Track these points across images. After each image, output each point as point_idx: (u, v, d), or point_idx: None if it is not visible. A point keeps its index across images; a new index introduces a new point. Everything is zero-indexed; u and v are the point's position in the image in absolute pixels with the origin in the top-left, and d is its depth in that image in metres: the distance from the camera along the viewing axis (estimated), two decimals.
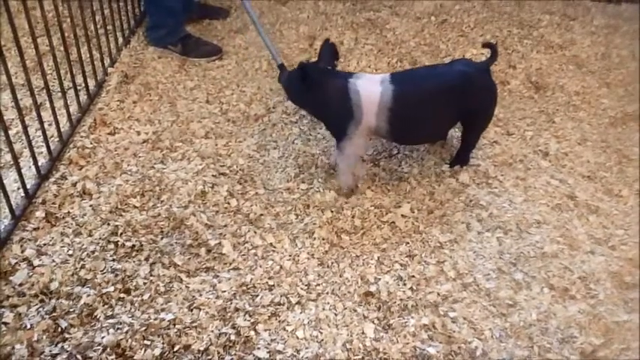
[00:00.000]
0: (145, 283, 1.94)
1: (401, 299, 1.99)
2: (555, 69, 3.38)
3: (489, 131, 2.84)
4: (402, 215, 2.31)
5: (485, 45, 2.54)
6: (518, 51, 3.51)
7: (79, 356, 1.70)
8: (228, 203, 2.30)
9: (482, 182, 2.53)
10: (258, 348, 1.80)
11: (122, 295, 1.90)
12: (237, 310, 1.90)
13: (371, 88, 2.28)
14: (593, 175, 2.65)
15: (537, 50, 3.53)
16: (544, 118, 3.00)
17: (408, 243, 2.21)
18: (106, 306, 1.85)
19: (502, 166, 2.64)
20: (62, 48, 2.53)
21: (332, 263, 2.10)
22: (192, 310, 1.88)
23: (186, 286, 1.96)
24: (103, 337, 1.75)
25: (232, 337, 1.81)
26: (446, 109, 2.38)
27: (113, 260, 2.00)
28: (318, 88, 2.30)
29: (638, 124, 3.00)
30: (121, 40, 3.20)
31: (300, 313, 1.92)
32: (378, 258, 2.14)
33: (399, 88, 2.29)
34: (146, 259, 2.02)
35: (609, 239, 2.33)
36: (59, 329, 1.77)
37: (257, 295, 1.96)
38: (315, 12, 3.78)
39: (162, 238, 2.10)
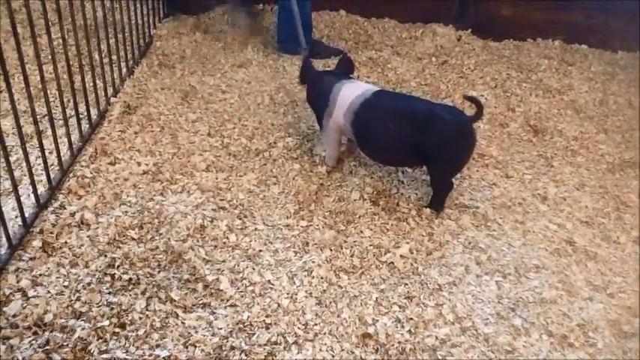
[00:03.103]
0: (140, 318, 1.91)
1: (399, 342, 1.96)
2: (554, 113, 3.42)
3: (488, 173, 2.85)
4: (401, 256, 2.30)
5: (469, 99, 2.43)
6: (517, 94, 3.56)
7: None
8: (227, 238, 2.28)
9: (481, 225, 2.53)
10: None
11: (117, 329, 1.86)
12: (232, 348, 1.87)
13: (350, 91, 2.56)
14: (591, 220, 2.66)
15: (536, 94, 3.58)
16: (542, 161, 3.03)
17: (407, 284, 2.20)
18: (100, 340, 1.82)
19: (501, 208, 2.65)
20: (66, 76, 2.54)
21: (330, 303, 2.08)
22: (187, 347, 1.85)
23: (182, 322, 1.93)
24: None
25: None
26: (404, 137, 2.43)
27: (109, 293, 1.98)
28: (312, 80, 2.75)
29: (635, 171, 3.03)
30: (124, 70, 3.22)
31: (297, 353, 1.89)
32: (377, 299, 2.12)
33: (371, 99, 2.51)
34: (142, 293, 1.99)
35: (607, 286, 2.32)
36: None
37: (253, 334, 1.93)
38: None
39: (159, 272, 2.08)
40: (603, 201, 2.79)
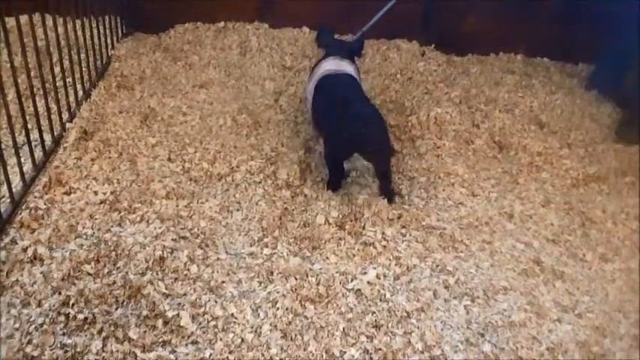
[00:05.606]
0: None
1: None
2: (518, 129, 3.42)
3: (454, 192, 2.83)
4: (368, 282, 2.25)
5: None
6: (482, 110, 3.55)
7: None
8: (188, 270, 2.20)
9: (449, 246, 2.50)
10: None
11: None
12: None
13: (326, 65, 2.85)
14: (557, 238, 2.66)
15: (499, 109, 3.57)
16: (508, 178, 3.02)
17: (374, 312, 2.14)
18: None
19: (468, 228, 2.62)
20: (17, 101, 2.43)
21: (295, 335, 2.02)
22: None
23: None
24: None
25: None
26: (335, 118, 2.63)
27: (63, 334, 1.88)
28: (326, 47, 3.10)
29: (599, 186, 3.04)
30: (81, 93, 3.11)
31: None
32: (344, 329, 2.06)
33: (331, 76, 2.79)
34: (99, 333, 1.90)
35: (575, 306, 2.31)
36: None
37: None
38: (282, 66, 3.77)
39: (116, 309, 1.99)
40: (569, 217, 2.79)
